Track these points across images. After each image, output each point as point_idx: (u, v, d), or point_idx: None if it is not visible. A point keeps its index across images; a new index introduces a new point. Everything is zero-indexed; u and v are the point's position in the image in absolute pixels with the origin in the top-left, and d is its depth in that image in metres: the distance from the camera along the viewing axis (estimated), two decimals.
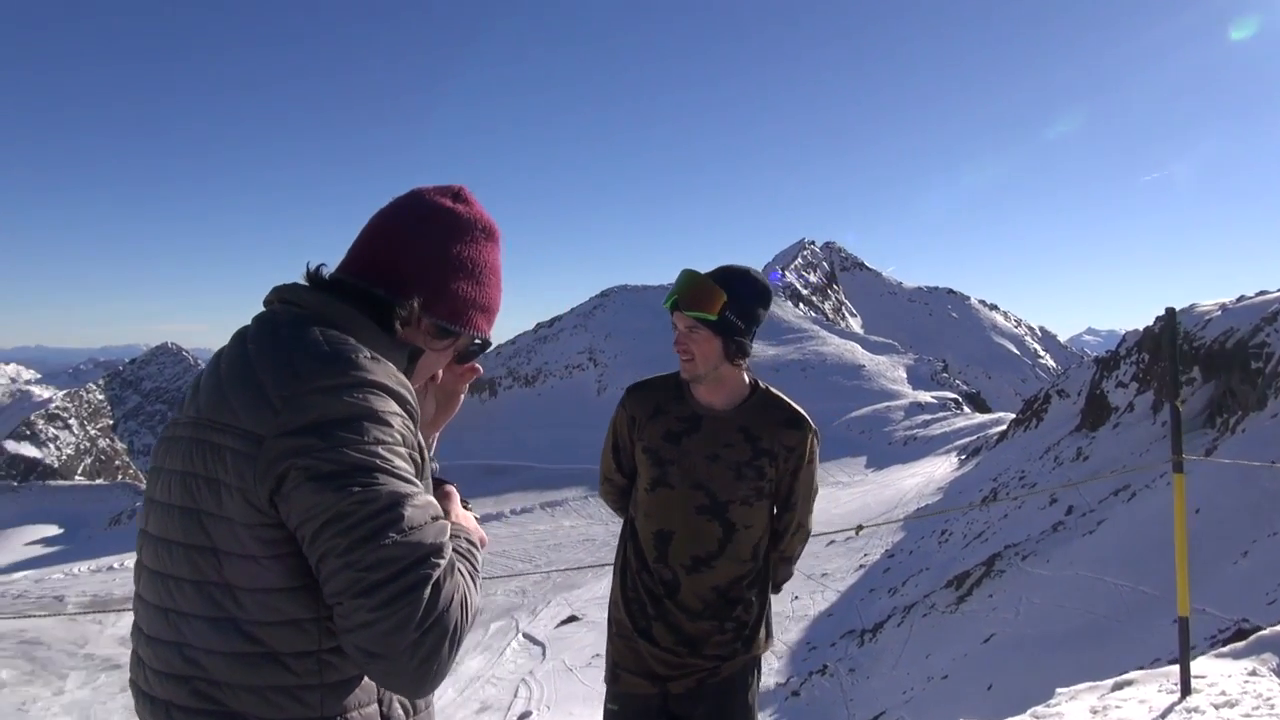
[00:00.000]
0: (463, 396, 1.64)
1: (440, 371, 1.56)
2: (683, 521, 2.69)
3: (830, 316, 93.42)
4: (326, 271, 1.45)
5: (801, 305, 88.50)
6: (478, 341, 1.54)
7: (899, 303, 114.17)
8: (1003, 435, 37.21)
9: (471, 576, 1.30)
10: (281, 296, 1.41)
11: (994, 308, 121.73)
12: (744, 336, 2.63)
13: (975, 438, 42.96)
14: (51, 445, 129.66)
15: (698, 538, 2.69)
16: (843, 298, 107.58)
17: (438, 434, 1.63)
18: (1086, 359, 51.52)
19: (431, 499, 1.27)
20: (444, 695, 17.74)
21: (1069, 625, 11.70)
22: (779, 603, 20.29)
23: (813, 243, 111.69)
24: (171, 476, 1.33)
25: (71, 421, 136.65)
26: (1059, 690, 5.52)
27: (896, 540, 24.30)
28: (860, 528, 5.33)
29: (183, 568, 1.29)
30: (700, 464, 2.69)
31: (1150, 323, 26.31)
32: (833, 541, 24.51)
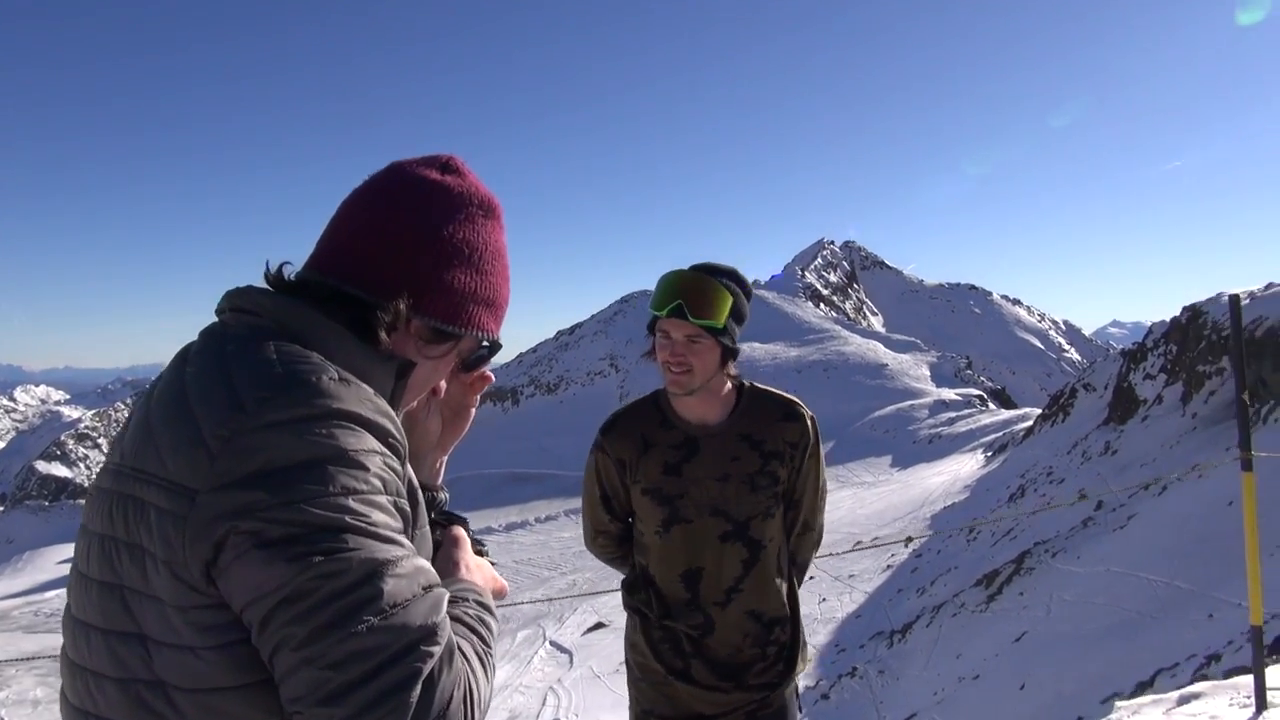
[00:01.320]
0: (474, 411, 1.36)
1: (444, 383, 1.28)
2: (710, 554, 2.43)
3: (851, 316, 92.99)
4: (292, 271, 1.16)
5: (822, 305, 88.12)
6: (485, 343, 1.24)
7: (921, 300, 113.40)
8: (1029, 431, 36.83)
9: (482, 657, 1.02)
10: (234, 304, 1.12)
11: (1017, 303, 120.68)
12: (736, 340, 2.39)
13: (1001, 434, 42.59)
14: (81, 465, 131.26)
15: (726, 567, 2.43)
16: (864, 297, 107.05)
17: (446, 457, 1.37)
18: (1112, 352, 50.98)
19: (423, 564, 0.98)
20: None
21: (1101, 622, 11.52)
22: (806, 604, 20.17)
23: (832, 242, 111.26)
24: (89, 539, 1.04)
25: (101, 441, 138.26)
26: (1119, 704, 5.33)
27: (924, 540, 24.09)
28: (910, 539, 5.16)
29: (103, 660, 0.99)
30: (712, 488, 2.41)
31: (1177, 313, 25.95)
32: (859, 543, 24.33)
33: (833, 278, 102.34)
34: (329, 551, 0.90)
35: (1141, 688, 7.94)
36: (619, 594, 2.69)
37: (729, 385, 2.48)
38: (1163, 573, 12.04)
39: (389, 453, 1.01)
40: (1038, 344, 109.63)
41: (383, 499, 0.97)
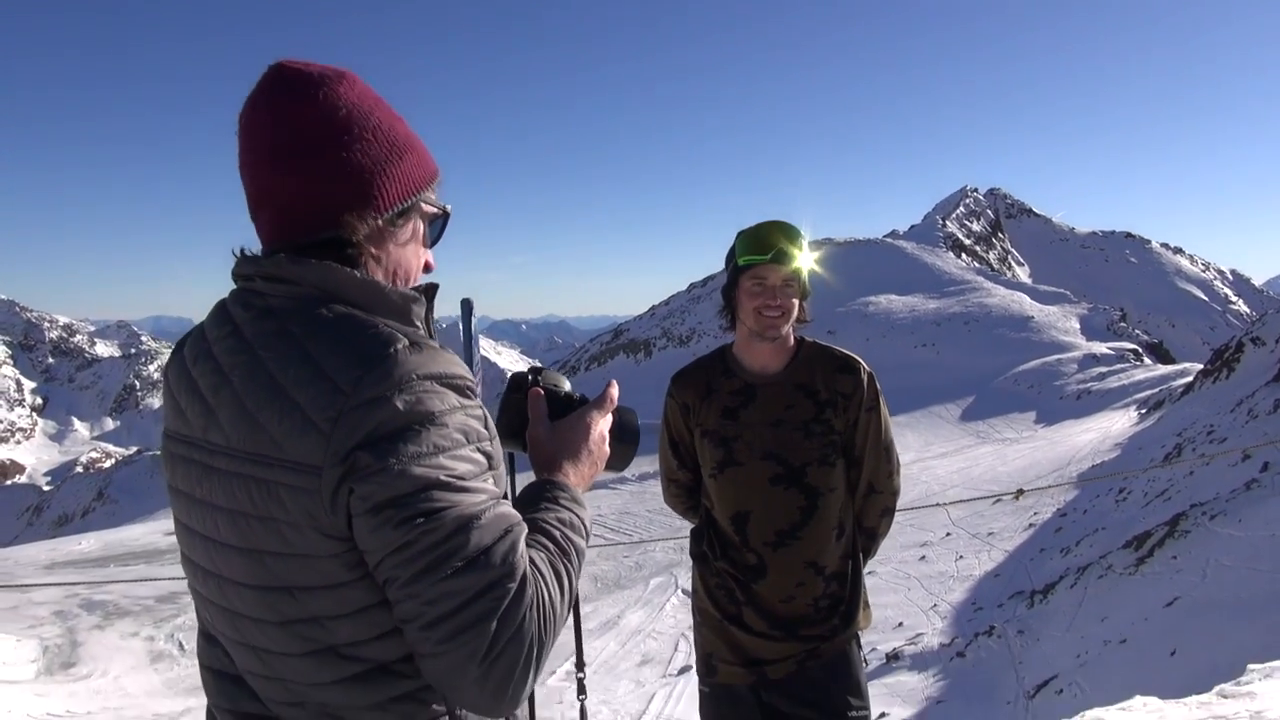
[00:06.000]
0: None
1: (431, 258, 1.38)
2: (759, 497, 2.56)
3: (995, 266, 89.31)
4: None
5: (964, 255, 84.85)
6: (435, 200, 1.34)
7: (1071, 249, 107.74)
8: (1188, 387, 34.78)
9: (557, 568, 1.20)
10: (266, 272, 1.22)
11: (1178, 251, 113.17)
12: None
13: (1157, 390, 40.34)
14: None
15: (778, 510, 2.55)
16: (1009, 246, 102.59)
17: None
18: None
19: (503, 510, 1.15)
20: (607, 648, 18.30)
21: (1263, 590, 10.88)
22: (943, 561, 19.83)
23: (975, 190, 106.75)
24: (214, 512, 1.20)
25: None
26: (1251, 666, 5.09)
27: (1069, 499, 23.19)
28: (1021, 491, 5.05)
29: (259, 609, 1.18)
30: (765, 432, 2.56)
31: None
32: (999, 500, 23.65)
33: (975, 226, 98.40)
34: (426, 511, 1.08)
35: None
36: None
37: (792, 338, 2.65)
38: None
39: (467, 401, 1.17)
40: (1200, 295, 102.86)
41: (467, 450, 1.14)
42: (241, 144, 1.24)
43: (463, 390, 1.17)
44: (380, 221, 1.25)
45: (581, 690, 2.07)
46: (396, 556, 1.08)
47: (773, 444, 2.56)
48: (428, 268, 1.37)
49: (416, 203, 1.29)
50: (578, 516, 1.29)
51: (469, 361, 1.87)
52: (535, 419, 1.44)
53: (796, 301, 2.56)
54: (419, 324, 1.26)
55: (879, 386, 2.64)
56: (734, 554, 2.62)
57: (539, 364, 1.59)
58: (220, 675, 1.27)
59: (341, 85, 1.24)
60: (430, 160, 1.32)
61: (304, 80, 1.22)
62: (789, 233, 2.52)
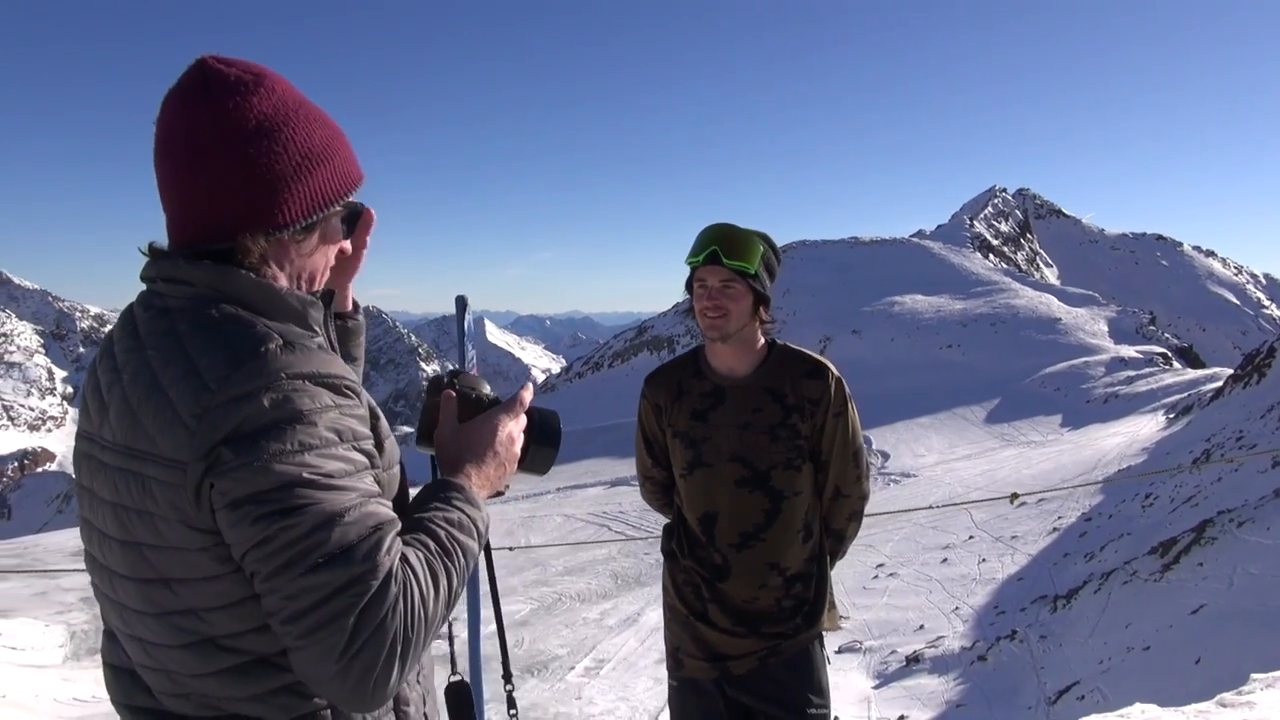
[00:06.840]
0: (365, 252, 1.46)
1: (349, 244, 1.38)
2: (725, 499, 2.59)
3: (1023, 267, 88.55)
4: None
5: (991, 256, 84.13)
6: (348, 200, 1.32)
7: (1100, 251, 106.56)
8: (1218, 392, 34.32)
9: (436, 572, 1.19)
10: (166, 274, 1.24)
11: (1211, 254, 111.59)
12: (768, 291, 2.58)
13: (1186, 395, 39.86)
14: None
15: (743, 512, 2.58)
16: (1037, 247, 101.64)
17: (351, 285, 1.51)
18: None
19: (371, 510, 1.14)
20: (626, 644, 18.29)
21: None
22: (965, 564, 19.69)
23: (1004, 190, 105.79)
24: (102, 505, 1.23)
25: None
26: (1254, 675, 5.03)
27: (1094, 503, 22.96)
28: (1015, 495, 5.01)
29: (139, 601, 1.21)
30: (733, 435, 2.58)
31: None
32: (1024, 502, 23.49)
33: (1004, 227, 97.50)
34: (286, 508, 1.09)
35: None
36: None
37: (762, 340, 2.66)
38: None
39: (344, 401, 1.18)
40: (1232, 299, 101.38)
41: (339, 449, 1.15)
42: (156, 137, 1.24)
43: (339, 390, 1.18)
44: (283, 236, 1.25)
45: (511, 705, 1.81)
46: (257, 551, 1.10)
47: (739, 446, 2.58)
48: (343, 253, 1.37)
49: (325, 216, 1.28)
50: (469, 517, 1.29)
51: (461, 358, 1.88)
52: (443, 421, 1.45)
53: (747, 303, 2.54)
54: (316, 328, 1.28)
55: (848, 392, 2.65)
56: (700, 553, 2.66)
57: (456, 366, 1.61)
58: (118, 670, 1.30)
59: (257, 94, 1.22)
60: (351, 168, 1.31)
61: (220, 84, 1.21)
62: (730, 235, 2.51)
